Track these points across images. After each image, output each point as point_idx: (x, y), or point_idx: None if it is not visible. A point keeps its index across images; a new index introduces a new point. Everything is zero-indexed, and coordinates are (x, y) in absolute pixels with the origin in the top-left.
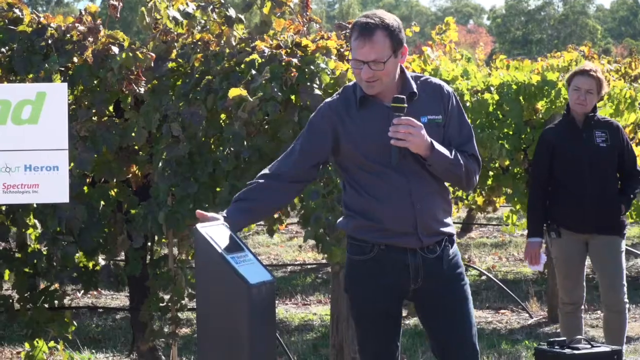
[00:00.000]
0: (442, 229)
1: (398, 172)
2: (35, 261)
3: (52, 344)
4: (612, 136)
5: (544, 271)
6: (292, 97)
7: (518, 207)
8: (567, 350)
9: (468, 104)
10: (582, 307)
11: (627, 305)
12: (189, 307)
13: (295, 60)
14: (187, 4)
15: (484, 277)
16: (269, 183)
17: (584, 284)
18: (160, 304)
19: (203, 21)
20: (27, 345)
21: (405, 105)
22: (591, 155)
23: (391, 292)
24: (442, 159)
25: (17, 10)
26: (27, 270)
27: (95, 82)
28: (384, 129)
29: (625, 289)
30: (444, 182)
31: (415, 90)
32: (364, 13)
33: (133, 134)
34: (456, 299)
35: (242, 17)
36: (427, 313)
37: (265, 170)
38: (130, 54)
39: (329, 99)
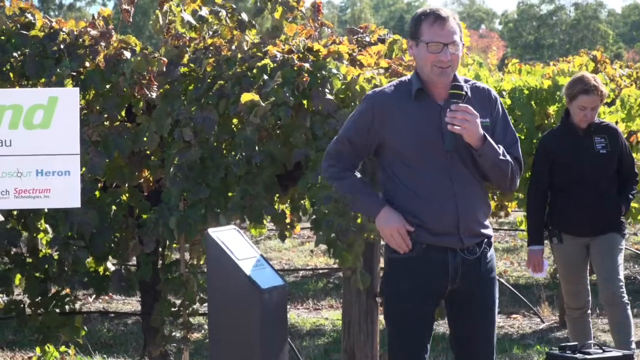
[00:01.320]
0: (482, 230)
1: (442, 172)
2: (46, 266)
3: (63, 348)
4: (611, 141)
5: (555, 275)
6: (304, 102)
7: None
8: (579, 355)
9: None
10: (589, 311)
11: (626, 300)
12: (200, 311)
13: (307, 65)
14: (200, 8)
15: None
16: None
17: (589, 287)
18: (172, 309)
19: (215, 26)
20: (38, 350)
21: (464, 92)
22: (591, 161)
23: (429, 292)
24: (493, 152)
25: (29, 15)
26: (38, 275)
27: (107, 86)
28: (434, 127)
29: (622, 283)
30: (485, 186)
31: (467, 91)
32: (428, 7)
33: (145, 139)
34: (486, 301)
35: (254, 22)
36: (455, 310)
37: (336, 165)
38: (142, 59)
39: (379, 89)
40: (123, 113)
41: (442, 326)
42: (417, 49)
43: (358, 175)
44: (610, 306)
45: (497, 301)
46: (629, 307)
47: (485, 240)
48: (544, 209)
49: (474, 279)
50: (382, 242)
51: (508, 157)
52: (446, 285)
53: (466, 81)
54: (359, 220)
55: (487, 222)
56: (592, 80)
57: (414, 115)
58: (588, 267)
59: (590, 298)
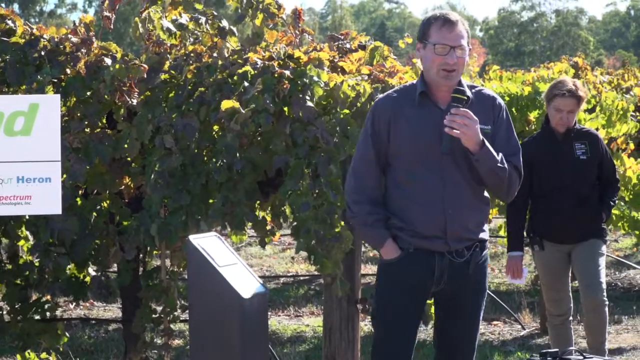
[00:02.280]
0: (472, 235)
1: (436, 176)
2: (27, 273)
3: (44, 355)
4: (591, 147)
5: (536, 282)
6: (285, 109)
7: None
8: None
9: None
10: (571, 318)
11: (607, 303)
12: (181, 318)
13: (287, 72)
14: (180, 15)
15: None
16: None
17: (570, 294)
18: (153, 316)
19: (196, 33)
20: (19, 357)
21: (466, 97)
22: (572, 167)
23: (415, 293)
24: (490, 158)
25: (9, 22)
26: (18, 281)
27: (88, 93)
28: (434, 132)
29: (604, 288)
30: (482, 191)
31: (470, 95)
32: (437, 11)
33: (126, 146)
34: (472, 304)
35: (235, 29)
36: (441, 309)
37: (360, 189)
38: (123, 66)
39: (384, 94)
40: (104, 120)
41: (423, 332)
42: (425, 50)
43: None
44: (591, 312)
45: (483, 304)
46: (607, 308)
47: (477, 243)
48: (523, 215)
49: (462, 280)
50: (363, 249)
51: (506, 165)
52: (430, 286)
53: (472, 87)
54: (337, 229)
55: (482, 227)
56: (570, 83)
57: (415, 119)
58: (570, 274)
59: (572, 305)
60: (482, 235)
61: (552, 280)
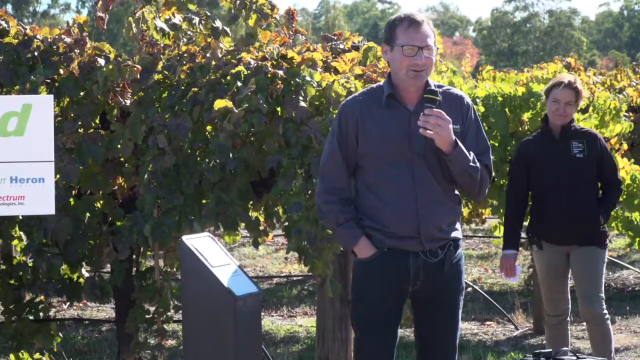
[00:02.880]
0: (445, 234)
1: (407, 177)
2: (20, 273)
3: (37, 355)
4: (589, 146)
5: (530, 282)
6: (278, 109)
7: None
8: None
9: None
10: (568, 319)
11: (607, 316)
12: (174, 319)
13: (281, 72)
14: (173, 15)
15: (469, 289)
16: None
17: (569, 296)
18: (146, 316)
19: (190, 33)
20: (12, 357)
21: (438, 98)
22: (568, 166)
23: (391, 293)
24: (463, 158)
25: (3, 22)
26: (12, 282)
27: (81, 94)
28: (402, 133)
29: (603, 300)
30: (453, 190)
31: (438, 96)
32: (403, 12)
33: (119, 146)
34: (449, 303)
35: (228, 29)
36: (418, 310)
37: (330, 190)
38: (116, 66)
39: (351, 96)
40: (97, 120)
41: (406, 331)
42: (392, 53)
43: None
44: (591, 324)
45: (461, 303)
46: (608, 321)
47: (451, 242)
48: (520, 214)
49: (437, 280)
50: None
51: (478, 164)
52: (407, 287)
53: (439, 87)
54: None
55: (454, 226)
56: (569, 77)
57: (382, 121)
58: (568, 275)
59: (569, 306)
60: (455, 234)
61: (549, 281)
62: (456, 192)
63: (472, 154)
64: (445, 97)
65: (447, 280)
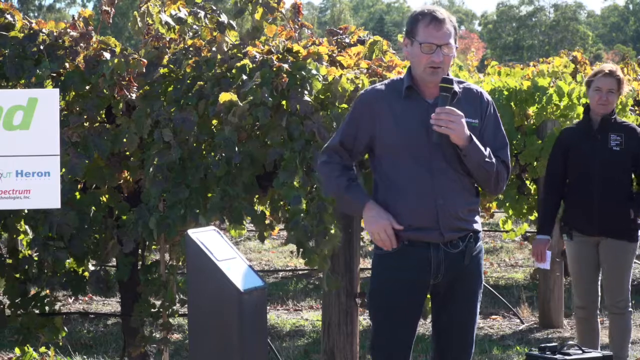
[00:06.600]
0: (466, 225)
1: (424, 168)
2: (26, 267)
3: (43, 349)
4: (627, 140)
5: (535, 276)
6: (283, 102)
7: (511, 212)
8: (559, 356)
9: None
10: (597, 312)
11: (630, 309)
12: (180, 312)
13: (286, 66)
14: (179, 9)
15: None
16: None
17: (598, 288)
18: (152, 310)
19: (195, 27)
20: (17, 351)
21: (452, 86)
22: (603, 158)
23: (412, 286)
24: (478, 153)
25: (8, 16)
26: (18, 276)
27: (86, 87)
28: (420, 124)
29: (628, 293)
30: (471, 182)
31: (457, 90)
32: (425, 6)
33: (125, 140)
34: (469, 294)
35: (234, 23)
36: (438, 300)
37: (330, 161)
38: (122, 60)
39: (371, 86)
40: (103, 114)
41: (421, 327)
42: (412, 47)
43: (350, 172)
44: (613, 315)
45: (480, 295)
46: (631, 315)
47: (471, 234)
48: (555, 201)
49: (458, 271)
50: (362, 243)
51: (494, 160)
52: (429, 280)
53: (460, 82)
54: (327, 225)
55: (474, 217)
56: (610, 66)
57: (401, 112)
58: (598, 267)
59: (598, 298)
60: (476, 226)
61: (579, 270)
62: (474, 184)
63: (488, 149)
64: (465, 93)
65: (468, 272)
